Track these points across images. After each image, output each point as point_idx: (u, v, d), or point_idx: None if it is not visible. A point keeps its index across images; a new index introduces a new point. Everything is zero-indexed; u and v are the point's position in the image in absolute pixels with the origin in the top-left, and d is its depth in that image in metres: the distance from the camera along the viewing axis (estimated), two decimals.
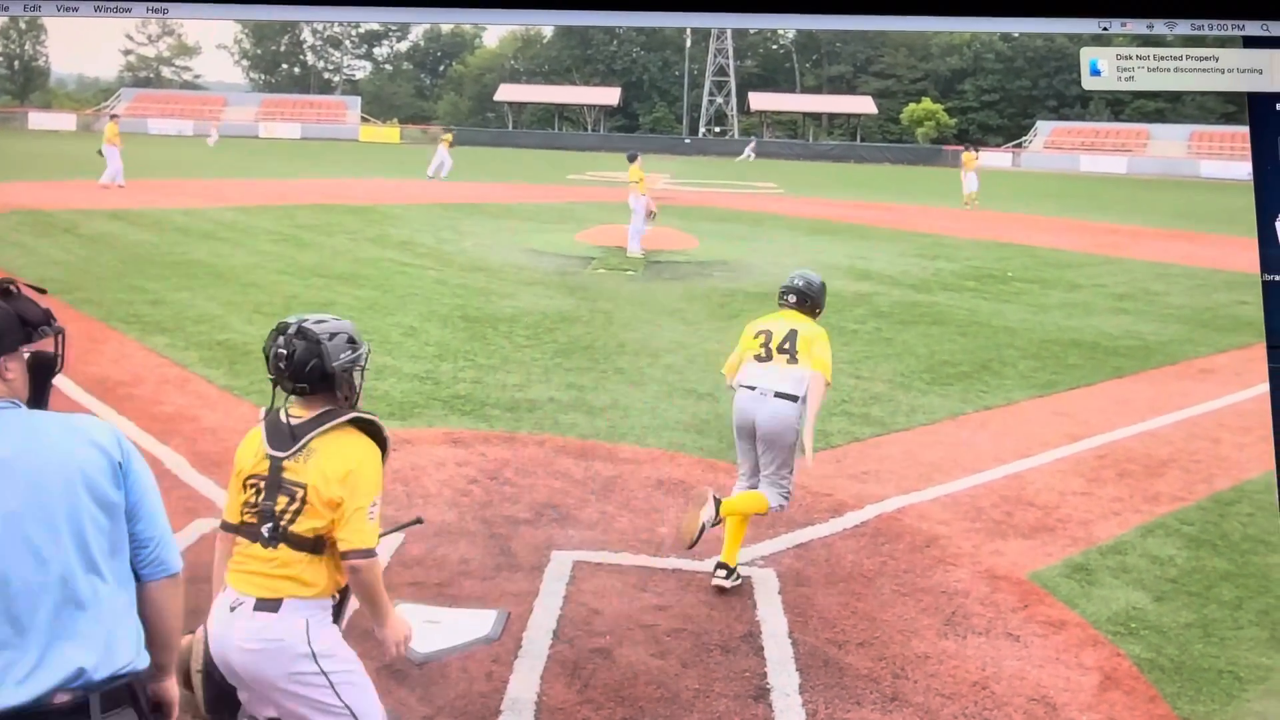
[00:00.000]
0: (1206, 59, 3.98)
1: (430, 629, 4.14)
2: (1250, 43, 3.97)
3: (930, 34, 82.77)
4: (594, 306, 11.49)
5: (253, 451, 2.90)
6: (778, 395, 4.78)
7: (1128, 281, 15.70)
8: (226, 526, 2.95)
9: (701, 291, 12.94)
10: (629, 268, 14.75)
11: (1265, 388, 3.72)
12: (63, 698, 1.98)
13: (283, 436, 2.86)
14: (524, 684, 3.79)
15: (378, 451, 2.94)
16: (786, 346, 4.86)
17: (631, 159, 17.31)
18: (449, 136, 34.91)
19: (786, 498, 4.88)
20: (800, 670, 3.99)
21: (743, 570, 4.85)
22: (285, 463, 2.83)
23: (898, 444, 7.00)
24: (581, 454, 6.41)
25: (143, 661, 2.18)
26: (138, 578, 2.25)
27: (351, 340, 2.96)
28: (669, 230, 19.74)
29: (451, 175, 32.86)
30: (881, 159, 68.57)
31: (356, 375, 3.00)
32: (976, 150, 30.72)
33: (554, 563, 4.82)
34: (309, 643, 2.79)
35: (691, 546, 4.65)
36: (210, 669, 2.86)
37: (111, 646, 2.09)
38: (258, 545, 2.82)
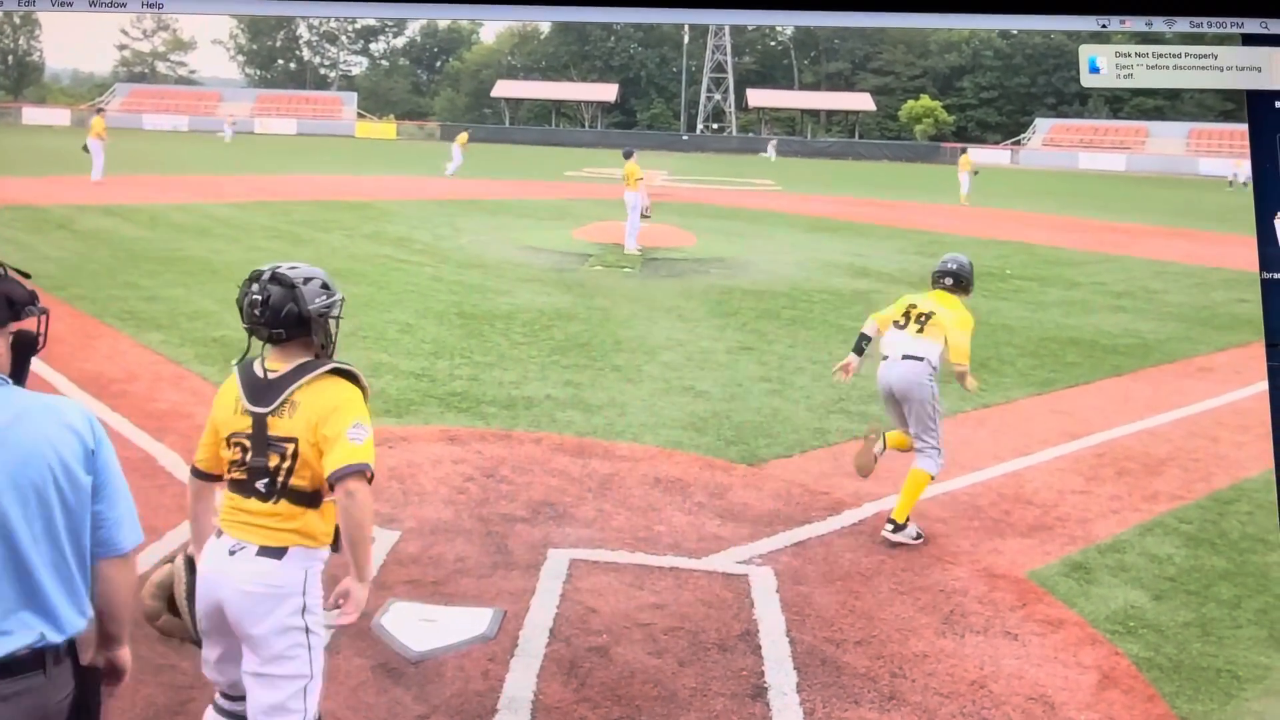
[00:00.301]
0: (1205, 56, 3.97)
1: (426, 627, 4.12)
2: (1249, 40, 3.96)
3: (929, 31, 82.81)
4: (591, 304, 11.47)
5: (231, 406, 2.87)
6: (905, 357, 5.48)
7: (1126, 279, 15.70)
8: (203, 475, 2.96)
9: (699, 289, 12.92)
10: (626, 265, 14.73)
11: (1264, 386, 3.71)
12: (23, 654, 2.20)
13: (261, 391, 2.83)
14: (520, 683, 3.77)
15: (357, 391, 2.90)
16: (921, 321, 5.52)
17: (627, 156, 17.28)
18: (464, 136, 35.11)
19: (937, 458, 5.43)
20: (798, 669, 3.97)
21: (740, 569, 4.84)
22: (269, 419, 2.81)
23: None
24: (578, 451, 6.39)
25: (83, 626, 2.35)
26: (93, 555, 2.37)
27: (325, 285, 2.94)
28: (666, 227, 19.72)
29: (442, 170, 32.85)
30: (880, 156, 68.71)
31: (331, 323, 2.96)
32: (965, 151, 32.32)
33: (551, 561, 4.80)
34: (304, 593, 2.82)
35: (867, 476, 5.52)
36: (194, 596, 2.90)
37: (67, 615, 2.27)
38: (254, 500, 2.82)
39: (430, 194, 25.47)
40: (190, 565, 2.95)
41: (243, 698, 2.88)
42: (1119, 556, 5.25)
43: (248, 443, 2.82)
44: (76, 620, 2.29)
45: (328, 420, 2.78)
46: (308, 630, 2.83)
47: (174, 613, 2.96)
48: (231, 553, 2.81)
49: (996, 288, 14.25)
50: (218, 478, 2.95)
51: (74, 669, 2.33)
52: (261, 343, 2.90)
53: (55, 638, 2.25)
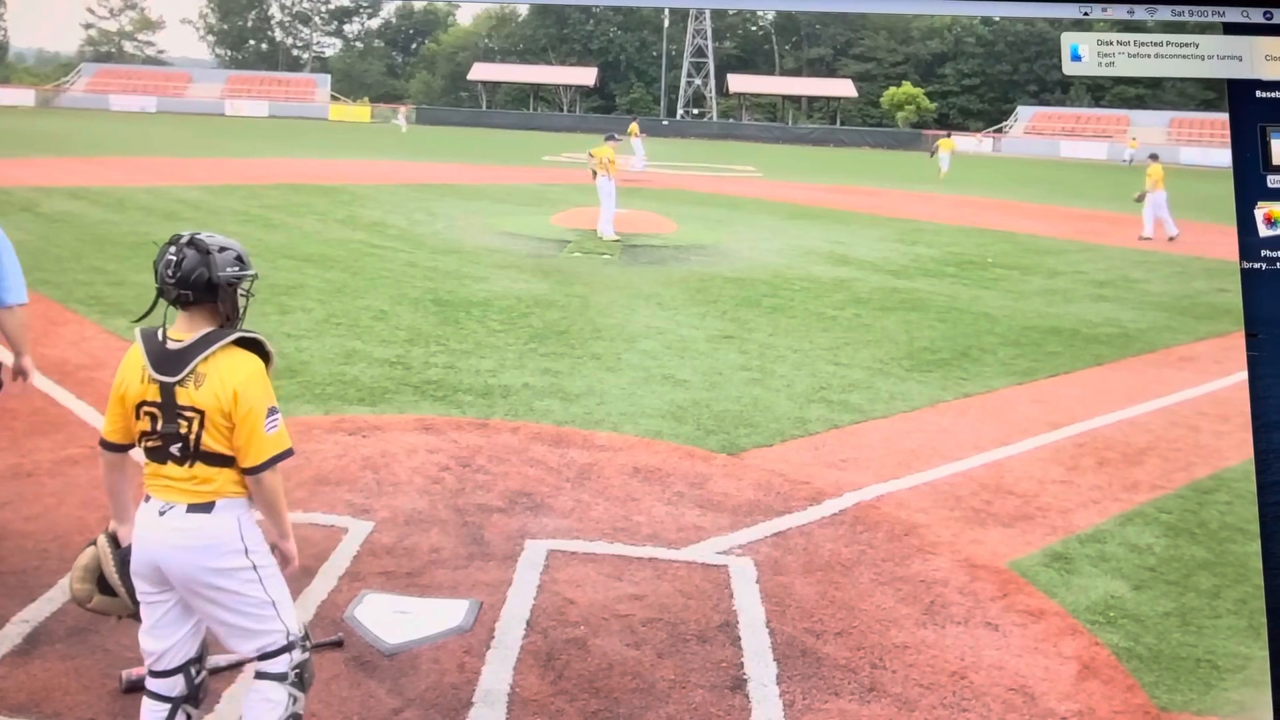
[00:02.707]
0: (1187, 45, 3.95)
1: (400, 619, 4.05)
2: (1230, 29, 3.93)
3: (911, 17, 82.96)
4: (569, 291, 11.38)
5: (137, 375, 2.93)
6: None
7: (1108, 268, 15.75)
8: (115, 447, 3.02)
9: (679, 276, 12.86)
10: (605, 251, 14.64)
11: (1244, 375, 3.69)
12: None
13: (167, 360, 2.90)
14: (497, 675, 3.71)
15: (261, 363, 2.98)
16: None
17: (609, 139, 17.16)
18: (635, 126, 35.36)
19: None
20: (778, 660, 3.93)
21: (720, 559, 4.79)
22: (176, 389, 2.89)
23: (876, 431, 6.96)
24: (556, 441, 6.33)
25: None
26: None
27: (240, 259, 3.00)
28: (646, 214, 19.63)
29: (422, 155, 32.69)
30: (861, 143, 68.78)
31: (240, 296, 3.02)
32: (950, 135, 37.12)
33: (528, 552, 4.74)
34: (241, 539, 2.94)
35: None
36: (125, 571, 3.01)
37: None
38: (171, 464, 2.91)
39: (405, 179, 25.26)
40: (114, 541, 3.09)
41: (173, 671, 3.01)
42: (1099, 546, 5.24)
43: (157, 411, 2.90)
44: None
45: (237, 398, 2.88)
46: (254, 566, 2.95)
47: (106, 592, 3.09)
48: (161, 513, 2.91)
49: (978, 276, 14.27)
50: (129, 447, 3.02)
51: None
52: (166, 309, 2.99)
53: None
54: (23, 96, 67.63)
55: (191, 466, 2.90)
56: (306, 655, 3.08)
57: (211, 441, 2.89)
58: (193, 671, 3.06)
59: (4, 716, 3.28)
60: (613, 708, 3.55)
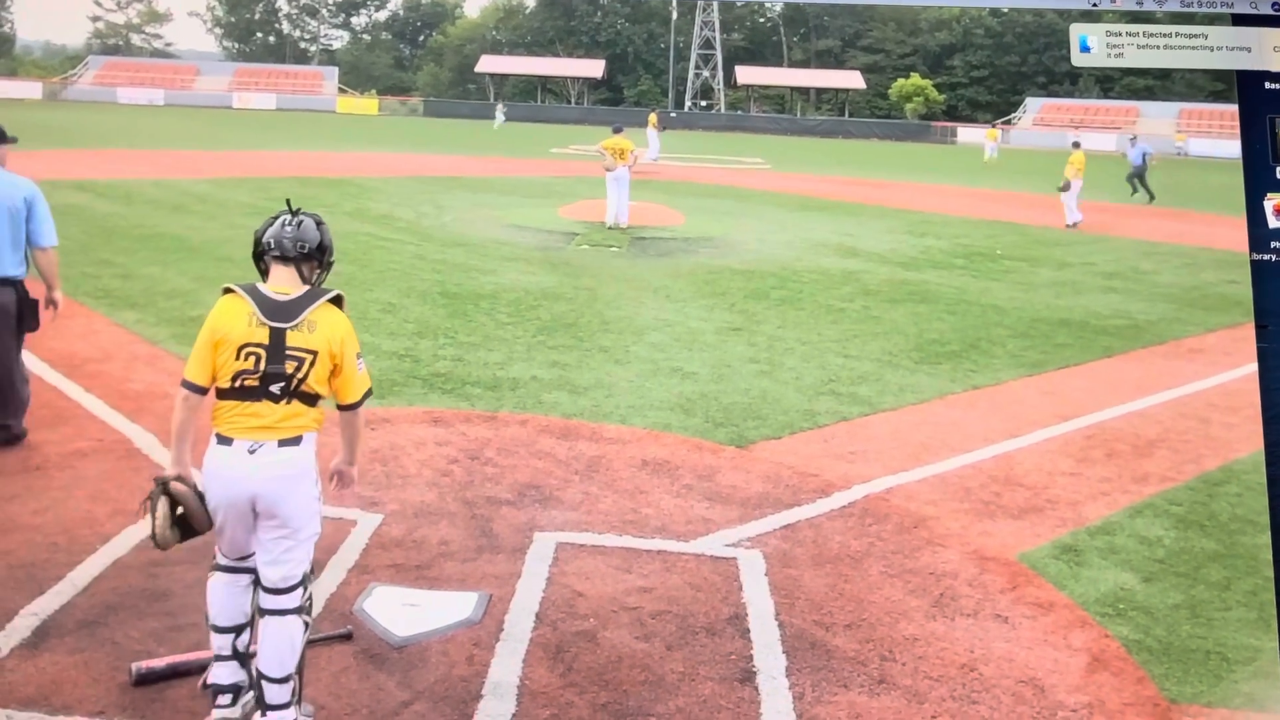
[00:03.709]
0: (1196, 36, 3.92)
1: (410, 612, 4.05)
2: (1239, 20, 3.90)
3: (919, 9, 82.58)
4: (577, 283, 11.38)
5: (242, 322, 3.26)
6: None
7: (1117, 260, 15.69)
8: (196, 388, 3.30)
9: (687, 268, 12.84)
10: (613, 244, 14.63)
11: (1254, 367, 3.67)
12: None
13: (278, 309, 3.28)
14: (506, 667, 3.71)
15: (349, 321, 3.45)
16: None
17: (617, 130, 17.12)
18: (654, 117, 35.66)
19: None
20: (787, 652, 3.93)
21: (729, 552, 4.79)
22: (288, 332, 3.26)
23: (885, 423, 6.94)
24: (565, 434, 6.32)
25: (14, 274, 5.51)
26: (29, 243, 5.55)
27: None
28: (654, 206, 19.60)
29: (430, 147, 32.68)
30: (870, 134, 68.60)
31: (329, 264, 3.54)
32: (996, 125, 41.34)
33: (536, 544, 4.73)
34: (315, 469, 3.34)
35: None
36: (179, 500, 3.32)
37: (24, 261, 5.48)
38: (266, 402, 3.24)
39: (413, 171, 25.26)
40: (179, 484, 3.32)
41: (242, 559, 3.36)
42: (1109, 539, 5.22)
43: (263, 352, 3.25)
44: (13, 269, 5.47)
45: (343, 344, 3.33)
46: (318, 499, 3.36)
47: (184, 530, 3.35)
48: (251, 451, 3.23)
49: (987, 268, 14.22)
50: (207, 391, 3.31)
51: (16, 292, 5.50)
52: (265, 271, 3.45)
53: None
54: (30, 89, 67.80)
55: (288, 404, 3.25)
56: (310, 589, 3.40)
57: (314, 382, 3.28)
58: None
59: (13, 709, 3.29)
60: (622, 700, 3.55)
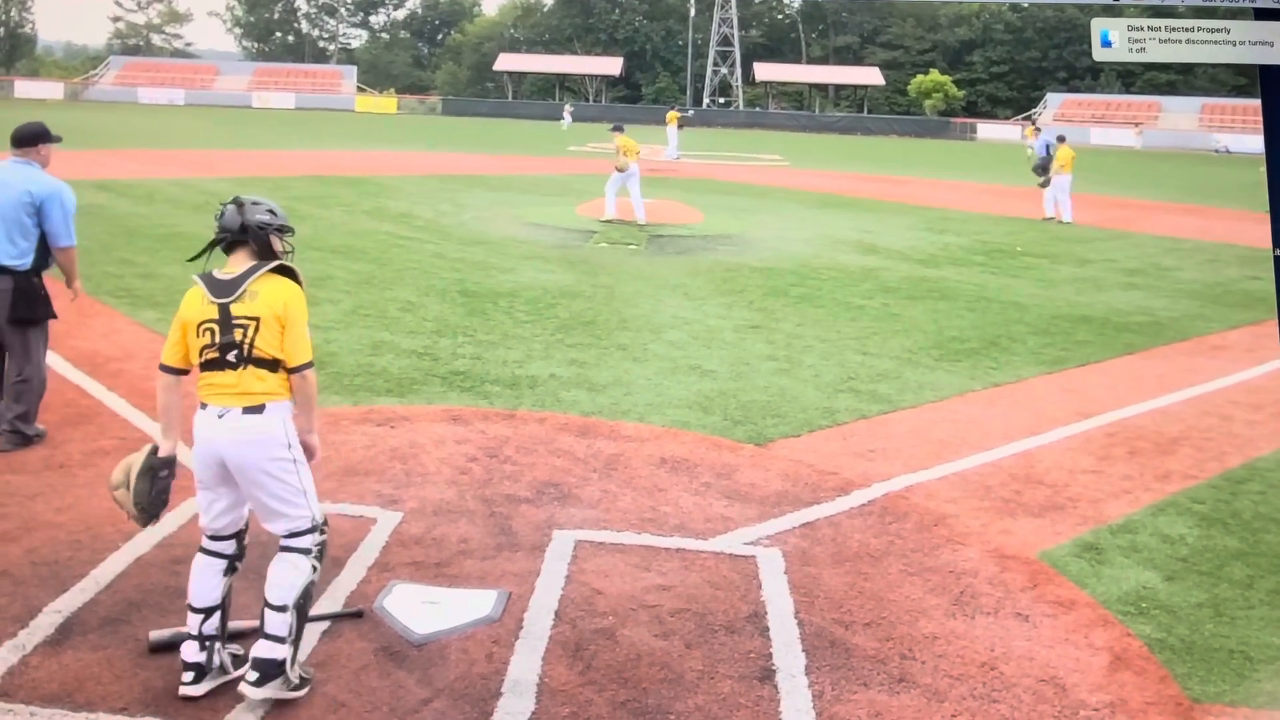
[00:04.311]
0: (1218, 31, 3.88)
1: (429, 610, 4.06)
2: (1262, 15, 3.86)
3: (938, 4, 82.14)
4: (595, 281, 11.38)
5: (197, 304, 3.57)
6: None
7: (1138, 256, 15.57)
8: (173, 370, 3.61)
9: (705, 266, 12.83)
10: (631, 242, 14.63)
11: (1277, 364, 3.63)
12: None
13: (222, 287, 3.57)
14: (525, 665, 3.71)
15: (299, 287, 3.70)
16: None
17: (619, 129, 17.11)
18: (674, 115, 36.15)
19: None
20: (806, 651, 3.91)
21: (748, 550, 4.78)
22: (231, 306, 3.54)
23: (905, 421, 6.91)
24: (583, 431, 6.33)
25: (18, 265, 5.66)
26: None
27: (271, 211, 3.77)
28: (673, 204, 19.59)
29: (449, 146, 32.71)
30: (889, 131, 68.29)
31: (276, 241, 3.74)
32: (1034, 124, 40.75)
33: (555, 542, 4.74)
34: (285, 434, 3.55)
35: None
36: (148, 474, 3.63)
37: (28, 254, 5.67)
38: (227, 371, 3.52)
39: (431, 169, 25.34)
40: (153, 450, 3.66)
41: (228, 538, 3.62)
42: (1131, 537, 5.18)
43: (215, 326, 3.53)
44: (15, 261, 5.63)
45: (286, 308, 3.58)
46: (294, 460, 3.55)
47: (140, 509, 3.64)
48: (220, 416, 3.50)
49: (1007, 265, 14.14)
50: (185, 372, 3.61)
51: (14, 280, 5.62)
52: (216, 255, 3.76)
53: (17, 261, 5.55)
54: (52, 90, 68.44)
55: (245, 369, 3.50)
56: (324, 537, 3.63)
57: (264, 345, 3.51)
58: (242, 538, 3.67)
59: (37, 706, 3.32)
60: (641, 698, 3.55)
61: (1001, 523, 5.27)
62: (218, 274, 3.64)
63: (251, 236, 3.69)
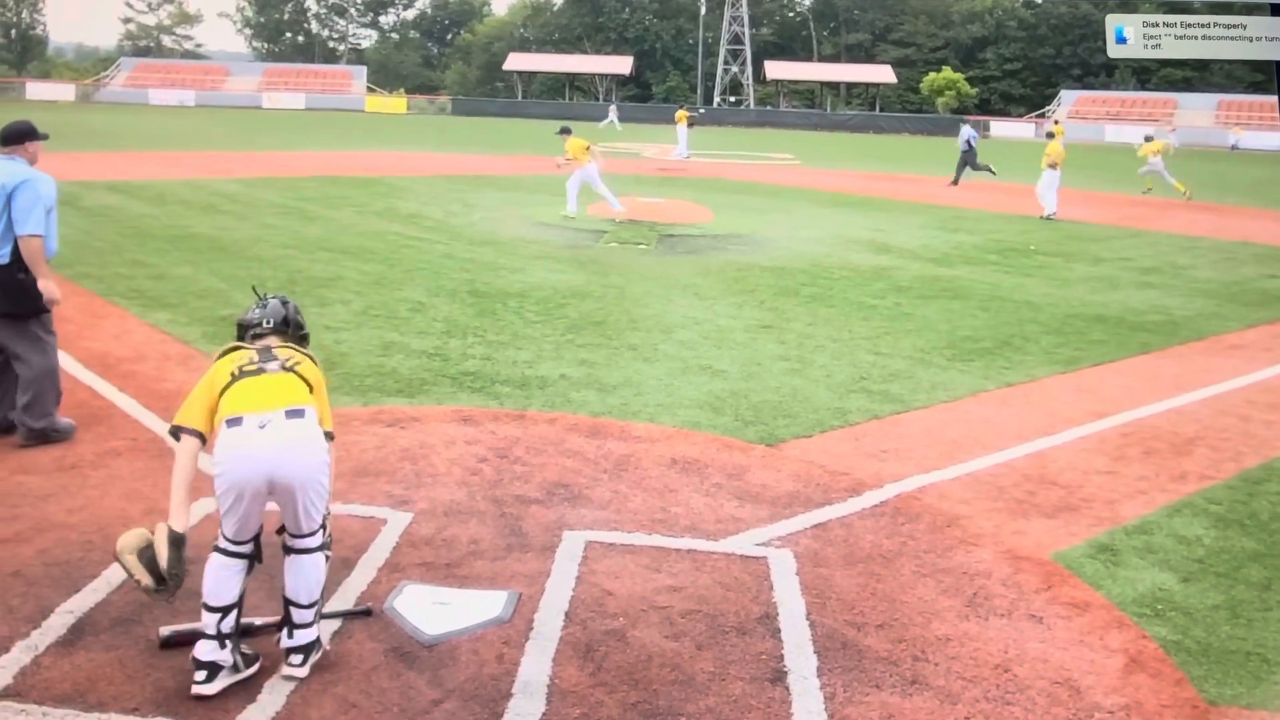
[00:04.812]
0: (1234, 27, 3.84)
1: (440, 610, 4.05)
2: (1278, 10, 3.82)
3: (951, 1, 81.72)
4: (606, 281, 11.37)
5: (231, 359, 3.73)
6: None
7: (1154, 255, 15.48)
8: (190, 431, 3.58)
9: (716, 266, 12.80)
10: (642, 241, 14.61)
11: None
12: None
13: (264, 352, 3.77)
14: (536, 666, 3.70)
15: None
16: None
17: (566, 132, 17.19)
18: (683, 114, 36.14)
19: None
20: (818, 653, 3.89)
21: (759, 551, 4.76)
22: (273, 350, 3.78)
23: (918, 421, 6.88)
24: (593, 432, 6.31)
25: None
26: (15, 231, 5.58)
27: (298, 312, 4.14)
28: (683, 203, 19.57)
29: (458, 146, 32.70)
30: (901, 129, 68.05)
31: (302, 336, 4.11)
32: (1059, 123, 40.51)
33: (566, 543, 4.72)
34: (326, 449, 3.64)
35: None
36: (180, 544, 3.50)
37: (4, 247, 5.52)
38: (267, 375, 3.64)
39: (441, 170, 25.37)
40: (176, 541, 3.48)
41: (247, 542, 3.56)
42: (1146, 538, 5.14)
43: (255, 355, 3.74)
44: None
45: (317, 377, 3.79)
46: (328, 463, 3.65)
47: (156, 578, 3.47)
48: (261, 427, 3.48)
49: (1020, 263, 14.08)
50: (203, 437, 3.59)
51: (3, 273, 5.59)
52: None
53: None
54: (63, 91, 68.86)
55: (288, 374, 3.66)
56: (330, 527, 3.79)
57: (304, 371, 3.72)
58: (259, 538, 3.61)
59: (49, 706, 3.32)
60: (652, 699, 3.53)
61: (1015, 524, 5.23)
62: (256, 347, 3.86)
63: (292, 330, 4.00)
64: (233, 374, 3.64)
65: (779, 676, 3.72)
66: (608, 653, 3.82)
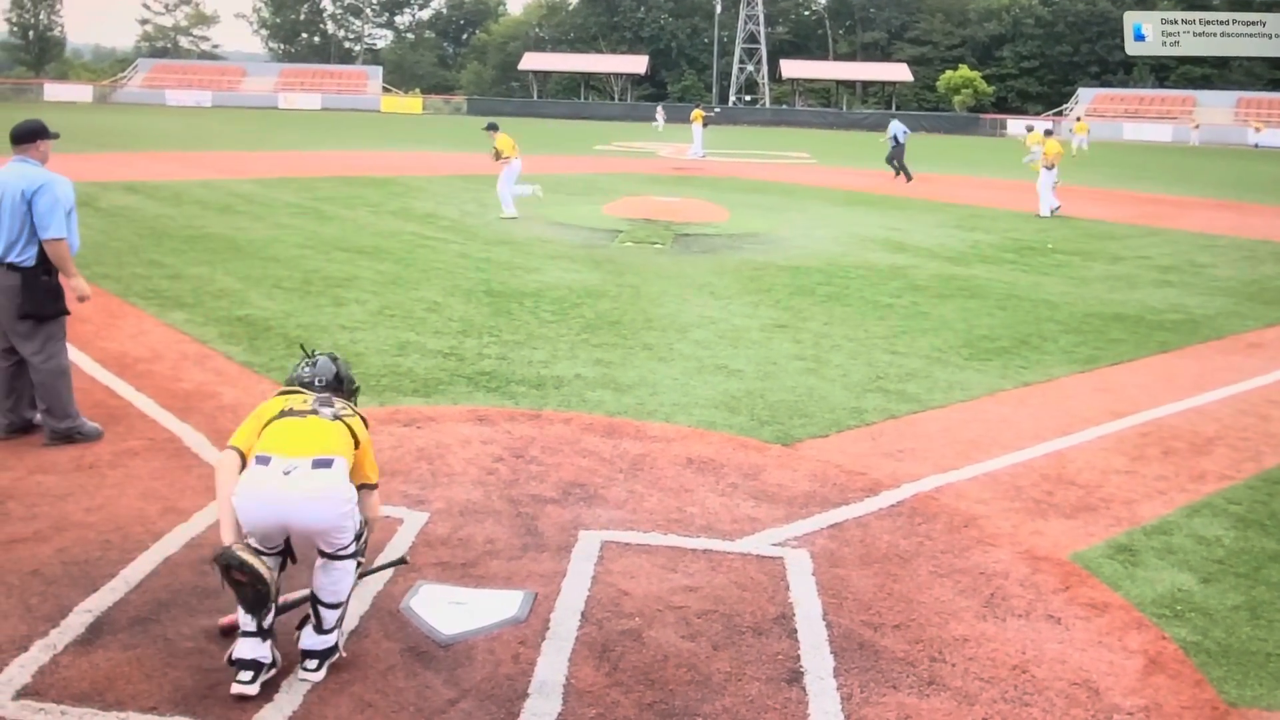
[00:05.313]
0: (1253, 24, 3.80)
1: (456, 610, 4.06)
2: None
3: None
4: (621, 281, 11.37)
5: (292, 399, 3.76)
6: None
7: (1173, 253, 15.37)
8: (239, 451, 3.60)
9: (732, 265, 12.78)
10: (657, 240, 14.60)
11: None
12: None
13: (325, 400, 3.80)
14: (552, 666, 3.70)
15: None
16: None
17: (493, 129, 17.13)
18: (699, 113, 36.07)
19: None
20: (835, 653, 3.87)
21: (775, 551, 4.74)
22: (335, 401, 3.80)
23: (935, 421, 6.84)
24: (609, 432, 6.31)
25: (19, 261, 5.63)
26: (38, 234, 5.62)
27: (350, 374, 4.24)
28: (699, 202, 19.54)
29: (473, 145, 32.80)
30: (917, 127, 67.55)
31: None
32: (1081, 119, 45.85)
33: (581, 543, 4.72)
34: (351, 492, 3.59)
35: None
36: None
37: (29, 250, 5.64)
38: (316, 419, 3.64)
39: (457, 169, 25.42)
40: (254, 550, 3.49)
41: (274, 547, 3.58)
42: (1165, 538, 5.10)
43: (313, 400, 3.76)
44: (20, 258, 5.62)
45: (365, 434, 3.79)
46: (354, 514, 3.61)
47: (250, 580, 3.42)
48: (286, 473, 3.45)
49: (1038, 262, 14.00)
50: (244, 460, 3.60)
51: (23, 275, 5.61)
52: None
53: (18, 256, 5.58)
54: (81, 92, 69.41)
55: (334, 423, 3.65)
56: (365, 537, 3.77)
57: (353, 423, 3.72)
58: (290, 540, 3.62)
59: (68, 705, 3.34)
60: (668, 699, 3.53)
61: (1033, 524, 5.20)
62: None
63: (345, 387, 4.08)
64: (283, 410, 3.67)
65: (795, 677, 3.71)
66: (623, 653, 3.81)
